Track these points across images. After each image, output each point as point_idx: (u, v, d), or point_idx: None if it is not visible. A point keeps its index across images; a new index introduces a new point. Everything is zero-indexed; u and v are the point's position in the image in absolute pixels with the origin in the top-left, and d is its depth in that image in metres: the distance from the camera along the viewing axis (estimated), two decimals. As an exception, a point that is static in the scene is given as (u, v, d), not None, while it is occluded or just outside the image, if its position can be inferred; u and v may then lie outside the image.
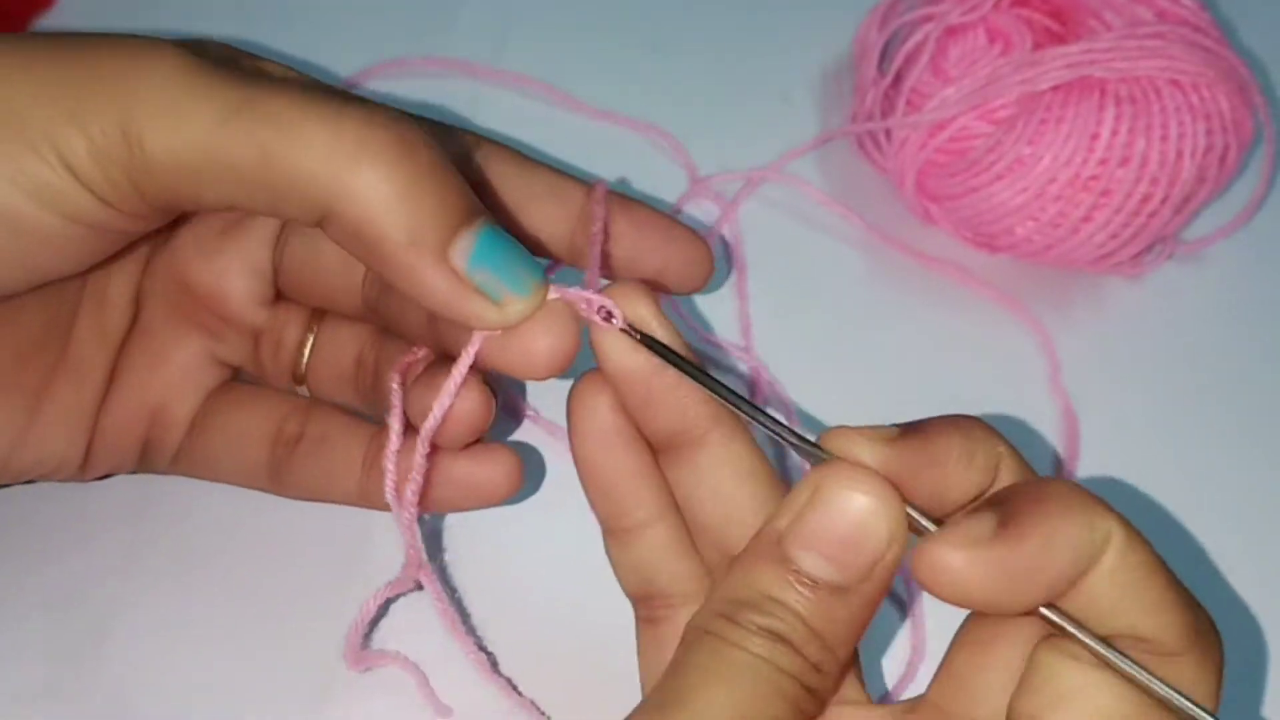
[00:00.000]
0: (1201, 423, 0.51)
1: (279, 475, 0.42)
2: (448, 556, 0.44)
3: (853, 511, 0.29)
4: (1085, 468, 0.49)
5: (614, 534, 0.36)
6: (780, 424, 0.32)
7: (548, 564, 0.44)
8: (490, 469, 0.39)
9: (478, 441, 0.38)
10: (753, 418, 0.32)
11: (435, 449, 0.37)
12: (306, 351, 0.42)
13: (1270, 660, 0.45)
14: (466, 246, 0.33)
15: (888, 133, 0.55)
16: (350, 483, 0.41)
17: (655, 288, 0.39)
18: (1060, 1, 0.54)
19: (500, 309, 0.33)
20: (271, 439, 0.41)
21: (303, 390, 0.43)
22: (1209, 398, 0.52)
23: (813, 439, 0.31)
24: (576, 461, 0.36)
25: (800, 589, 0.29)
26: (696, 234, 0.41)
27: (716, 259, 0.42)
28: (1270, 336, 0.54)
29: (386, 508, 0.38)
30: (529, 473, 0.41)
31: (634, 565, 0.36)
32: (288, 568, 0.43)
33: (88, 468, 0.41)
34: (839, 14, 0.60)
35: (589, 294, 0.33)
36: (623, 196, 0.41)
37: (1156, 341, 0.53)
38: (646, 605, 0.36)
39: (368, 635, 0.42)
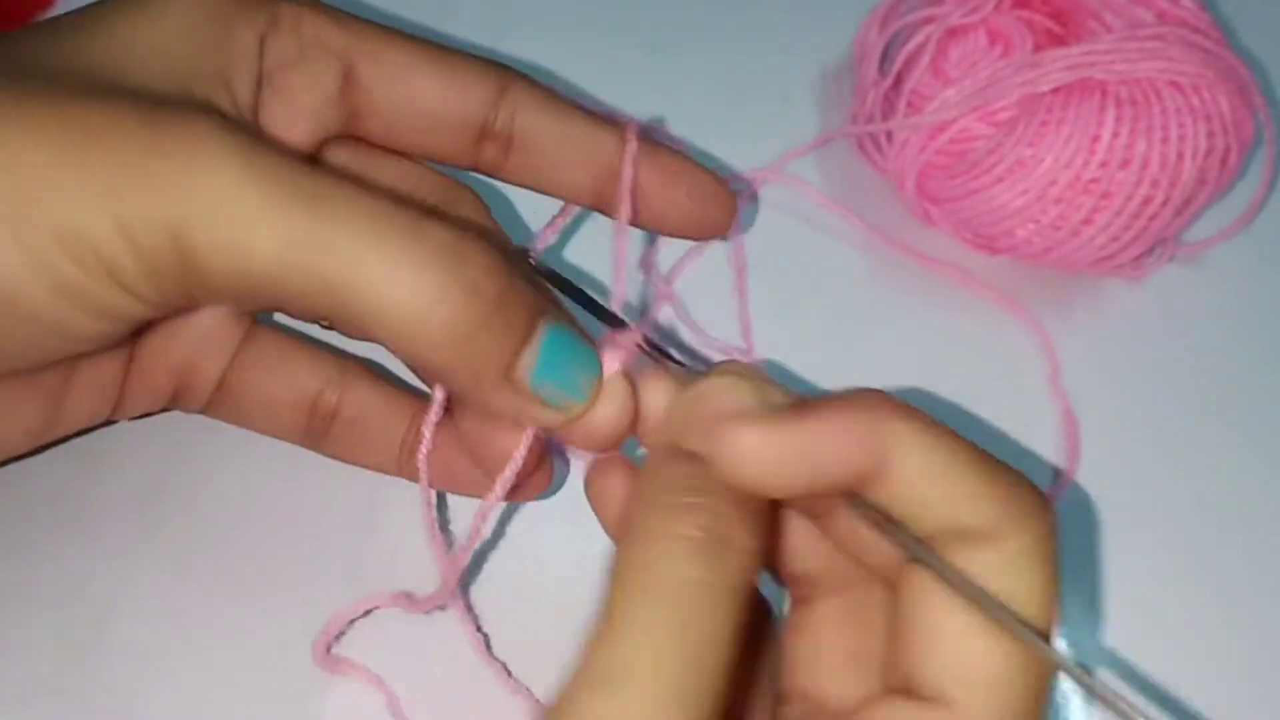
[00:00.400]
0: (1201, 425, 0.51)
1: (315, 443, 0.43)
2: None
3: (736, 395, 0.31)
4: (1085, 469, 0.49)
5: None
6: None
7: (565, 565, 0.44)
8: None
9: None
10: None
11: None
12: None
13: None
14: (529, 365, 0.33)
15: (888, 134, 0.55)
16: (388, 461, 0.42)
17: (677, 232, 0.41)
18: (1061, 3, 0.53)
19: (562, 413, 0.34)
20: (307, 410, 0.42)
21: (324, 323, 0.42)
22: (1209, 400, 0.52)
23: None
24: (593, 495, 0.36)
25: (709, 472, 0.30)
26: (722, 181, 0.41)
27: (735, 206, 0.42)
28: (1271, 339, 0.54)
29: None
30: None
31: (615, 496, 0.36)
32: (291, 564, 0.43)
33: (118, 415, 0.41)
34: (839, 15, 0.60)
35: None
36: (651, 141, 0.40)
37: (1157, 344, 0.53)
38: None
39: (340, 636, 0.42)
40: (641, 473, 0.31)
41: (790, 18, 0.63)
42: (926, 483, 0.29)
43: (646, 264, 0.53)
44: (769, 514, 0.31)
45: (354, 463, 0.43)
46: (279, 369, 0.42)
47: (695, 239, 0.43)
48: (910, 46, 0.54)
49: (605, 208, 0.40)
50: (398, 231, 0.31)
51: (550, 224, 0.41)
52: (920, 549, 0.30)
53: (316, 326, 0.44)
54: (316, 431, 0.42)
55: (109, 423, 0.42)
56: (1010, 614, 0.28)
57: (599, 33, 0.62)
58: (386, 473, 0.43)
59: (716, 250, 0.54)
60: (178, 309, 0.34)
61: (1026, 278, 0.54)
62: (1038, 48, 0.52)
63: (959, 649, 0.29)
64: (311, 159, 0.38)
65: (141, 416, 0.43)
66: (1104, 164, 0.50)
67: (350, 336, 0.42)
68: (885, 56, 0.56)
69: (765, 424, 0.29)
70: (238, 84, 0.35)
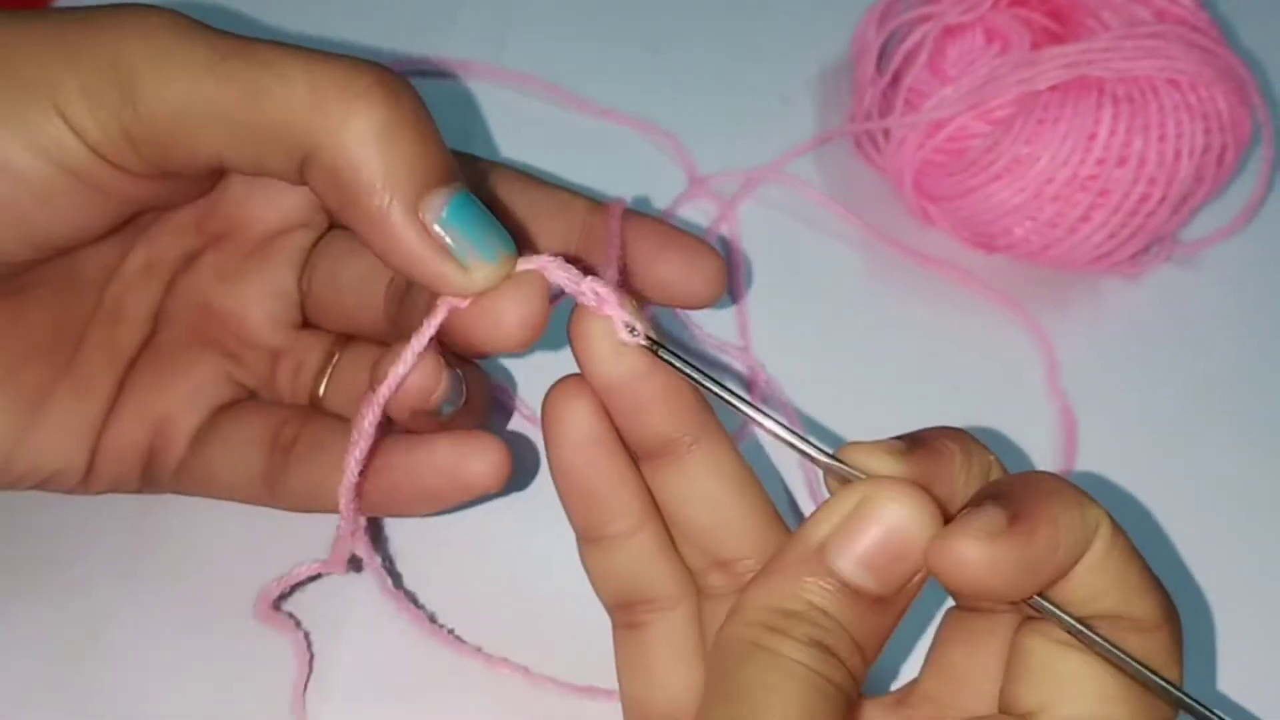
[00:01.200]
0: (1199, 422, 0.51)
1: (274, 482, 0.41)
2: (434, 553, 0.45)
3: (899, 524, 0.30)
4: (1082, 467, 0.49)
5: (594, 542, 0.36)
6: (797, 434, 0.32)
7: (536, 561, 0.44)
8: (475, 457, 0.38)
9: (451, 426, 0.38)
10: (763, 425, 0.32)
11: (409, 432, 0.37)
12: (327, 376, 0.42)
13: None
14: (439, 204, 0.33)
15: (886, 132, 0.55)
16: (254, 469, 0.41)
17: (667, 301, 0.40)
18: (1058, 1, 0.54)
19: (467, 273, 0.33)
20: (269, 443, 0.41)
21: None
22: (1207, 398, 0.52)
23: (828, 450, 0.31)
24: (554, 470, 0.35)
25: (844, 600, 0.30)
26: (708, 245, 0.41)
27: (726, 272, 0.41)
28: (1268, 337, 0.54)
29: (296, 506, 0.40)
30: (522, 465, 0.41)
31: (616, 572, 0.36)
32: (286, 568, 0.43)
33: (90, 480, 0.40)
34: (837, 14, 0.60)
35: (575, 274, 0.33)
36: (632, 210, 0.41)
37: (1154, 342, 0.53)
38: (628, 611, 0.36)
39: (286, 596, 0.42)
40: (773, 563, 0.31)
41: (788, 17, 0.63)
42: (1108, 571, 0.31)
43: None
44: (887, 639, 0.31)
45: (313, 502, 0.41)
46: (248, 416, 0.41)
47: (686, 308, 0.42)
48: (908, 45, 0.54)
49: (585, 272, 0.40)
50: (318, 51, 0.33)
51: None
52: (1101, 642, 0.30)
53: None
54: (276, 466, 0.41)
55: (78, 490, 0.41)
56: (1174, 688, 0.31)
57: (598, 33, 0.62)
58: (252, 499, 0.41)
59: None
60: (136, 177, 0.35)
61: (1024, 276, 0.54)
62: (1035, 46, 0.52)
63: (1102, 711, 0.31)
64: None
65: (106, 492, 0.42)
66: (1101, 161, 0.50)
67: (277, 172, 0.37)
68: (883, 55, 0.56)
69: (989, 539, 0.29)
70: None
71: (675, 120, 0.58)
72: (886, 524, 0.30)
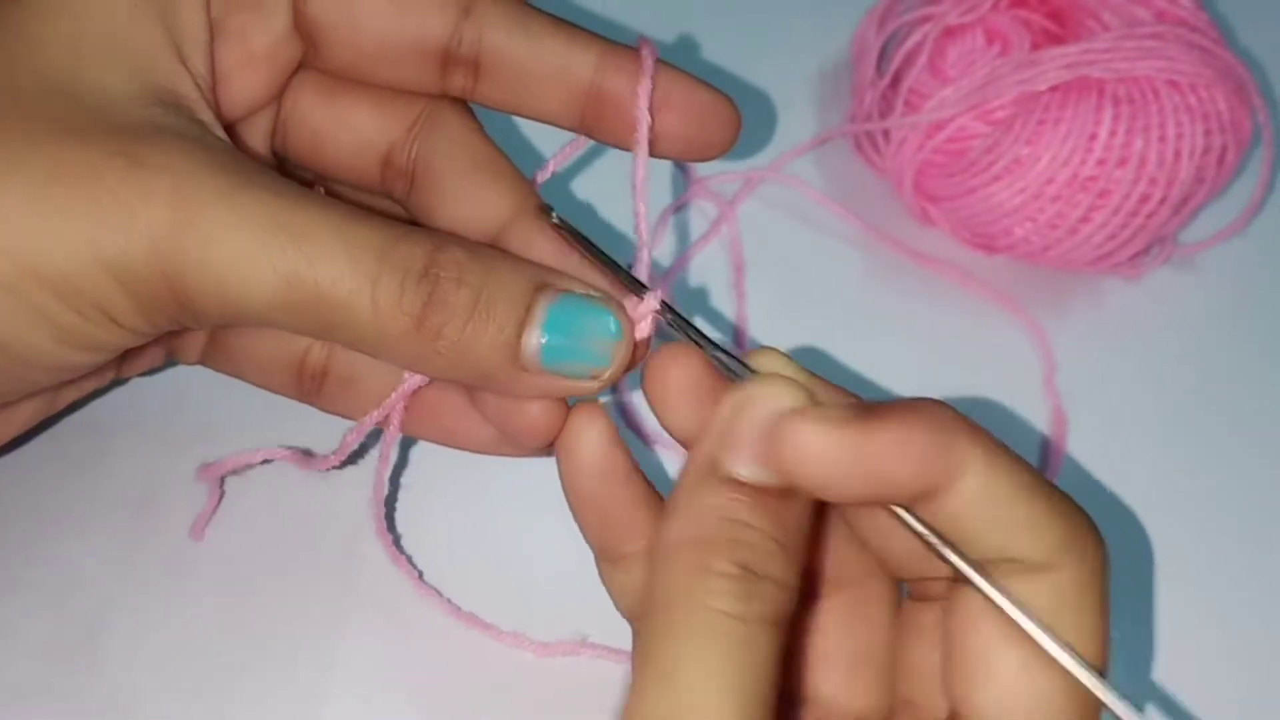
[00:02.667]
0: (1198, 423, 0.51)
1: (311, 400, 0.42)
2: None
3: (779, 409, 0.29)
4: (1082, 465, 0.49)
5: (612, 561, 0.35)
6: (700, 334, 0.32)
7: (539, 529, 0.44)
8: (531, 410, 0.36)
9: None
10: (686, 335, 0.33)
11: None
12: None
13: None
14: (535, 348, 0.33)
15: (886, 133, 0.55)
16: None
17: (680, 152, 0.38)
18: (1058, 2, 0.54)
19: (592, 380, 0.34)
20: (296, 369, 0.41)
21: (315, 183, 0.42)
22: (1206, 398, 0.52)
23: (727, 351, 0.32)
24: (570, 495, 0.35)
25: (754, 503, 0.29)
26: (723, 95, 0.39)
27: (740, 122, 0.40)
28: (1267, 339, 0.54)
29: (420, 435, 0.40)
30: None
31: (634, 589, 0.35)
32: (286, 564, 0.43)
33: (121, 374, 0.41)
34: (837, 15, 0.60)
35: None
36: (636, 64, 0.38)
37: (1154, 343, 0.53)
38: None
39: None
40: (676, 496, 0.30)
41: (788, 19, 0.63)
42: (988, 505, 0.29)
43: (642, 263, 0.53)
44: (808, 531, 0.30)
45: (352, 418, 0.40)
46: (263, 329, 0.40)
47: (696, 159, 0.40)
48: (908, 46, 0.54)
49: (591, 130, 0.38)
50: (374, 260, 0.32)
51: (553, 159, 0.39)
52: (980, 575, 0.29)
53: None
54: (309, 390, 0.41)
55: (116, 382, 0.43)
56: (1069, 648, 0.28)
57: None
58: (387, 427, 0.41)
59: (715, 249, 0.54)
60: (171, 332, 0.35)
61: (1024, 277, 0.54)
62: (1035, 47, 0.52)
63: (1017, 685, 0.29)
64: (274, 102, 0.38)
65: (148, 373, 0.43)
66: (1101, 162, 0.50)
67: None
68: (883, 56, 0.56)
69: (832, 426, 0.28)
70: (191, 52, 0.35)
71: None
72: (764, 412, 0.29)
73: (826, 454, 0.28)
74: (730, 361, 0.32)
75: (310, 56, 0.38)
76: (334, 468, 0.40)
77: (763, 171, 0.56)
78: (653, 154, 0.37)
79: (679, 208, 0.55)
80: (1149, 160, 0.50)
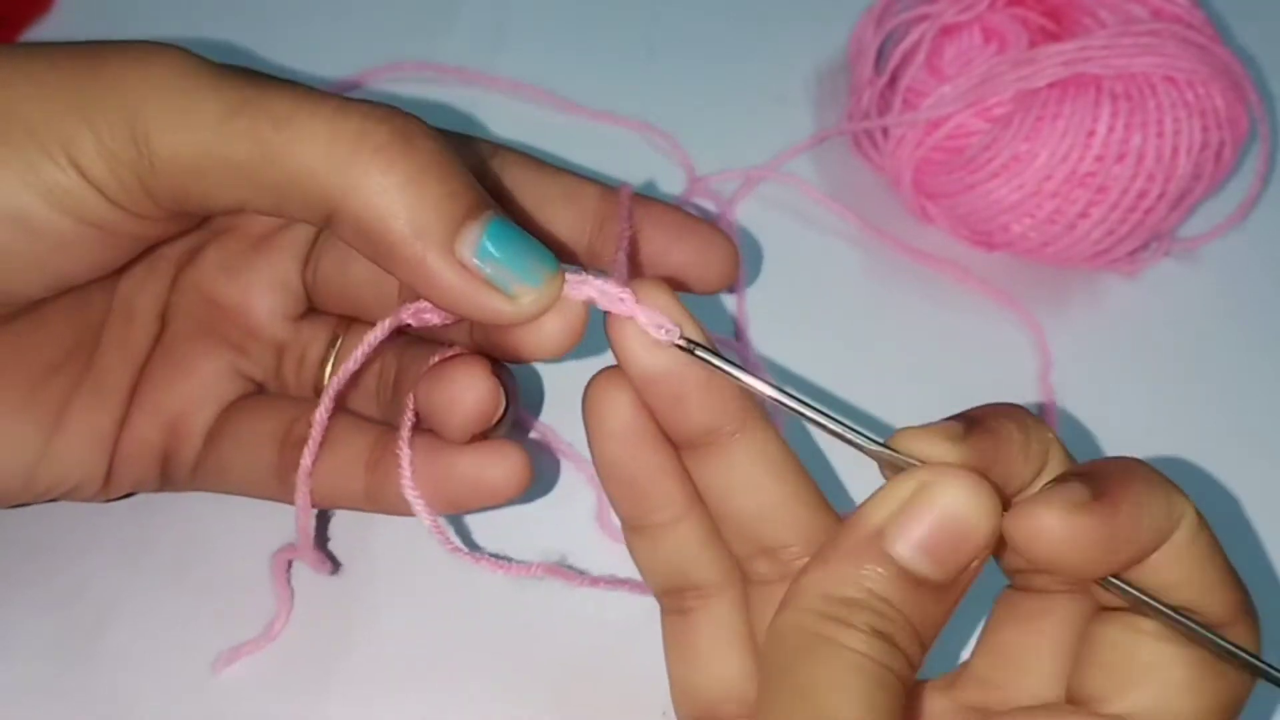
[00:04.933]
0: (1197, 418, 0.51)
1: (287, 477, 0.40)
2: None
3: (958, 509, 0.29)
4: (1078, 462, 0.49)
5: (640, 530, 0.36)
6: (847, 425, 0.32)
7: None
8: (497, 465, 0.38)
9: (485, 437, 0.38)
10: (811, 418, 0.32)
11: (440, 441, 0.37)
12: (331, 362, 0.42)
13: None
14: (473, 238, 0.32)
15: (884, 131, 0.55)
16: (356, 484, 0.40)
17: (680, 287, 0.40)
18: (1055, 0, 0.54)
19: (514, 301, 0.33)
20: (280, 440, 0.41)
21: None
22: (1205, 394, 0.52)
23: (879, 439, 0.31)
24: (598, 462, 0.35)
25: (903, 587, 0.29)
26: (720, 231, 0.41)
27: (739, 258, 0.41)
28: (1266, 333, 0.54)
29: (392, 511, 0.39)
30: (541, 473, 0.41)
31: (661, 560, 0.36)
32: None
33: (109, 486, 0.41)
34: (835, 14, 0.60)
35: (608, 284, 0.32)
36: (644, 196, 0.41)
37: (1153, 338, 0.53)
38: (676, 597, 0.36)
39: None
40: (834, 549, 0.30)
41: (786, 18, 0.63)
42: (1188, 562, 0.31)
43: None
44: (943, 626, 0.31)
45: (325, 498, 0.40)
46: (260, 411, 0.42)
47: (700, 293, 0.41)
48: (905, 44, 0.54)
49: (596, 260, 0.40)
50: (332, 98, 0.33)
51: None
52: (1190, 623, 0.31)
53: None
54: (288, 463, 0.40)
55: (98, 498, 0.41)
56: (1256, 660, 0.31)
57: (596, 35, 0.62)
58: (355, 506, 0.41)
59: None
60: (151, 220, 0.35)
61: (1022, 273, 0.54)
62: (1033, 44, 0.53)
63: (1178, 700, 0.31)
64: None
65: (127, 496, 0.42)
66: (1099, 158, 0.50)
67: (298, 217, 0.37)
68: (880, 55, 0.56)
69: (1075, 512, 0.29)
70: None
71: (673, 121, 0.58)
72: (945, 509, 0.29)
73: (1068, 542, 0.29)
74: (871, 446, 0.31)
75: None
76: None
77: (761, 170, 0.57)
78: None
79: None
80: (1146, 156, 0.50)
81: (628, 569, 0.43)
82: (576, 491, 0.47)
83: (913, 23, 0.54)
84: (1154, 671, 0.31)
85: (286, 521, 0.43)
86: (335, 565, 0.43)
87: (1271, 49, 0.60)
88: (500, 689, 0.42)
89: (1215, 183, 0.52)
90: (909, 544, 0.29)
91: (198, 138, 0.32)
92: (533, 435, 0.48)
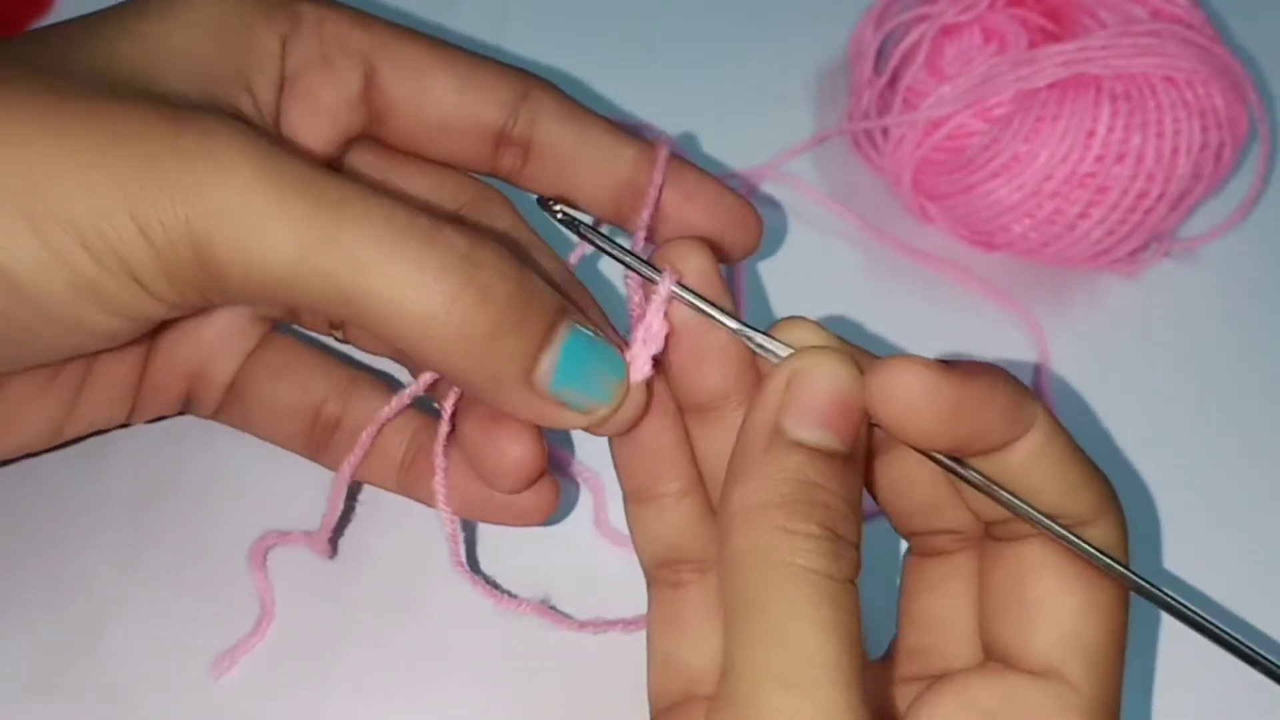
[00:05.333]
0: (1197, 418, 0.51)
1: (316, 453, 0.42)
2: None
3: (835, 379, 0.31)
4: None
5: (646, 502, 0.36)
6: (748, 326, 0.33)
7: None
8: (533, 492, 0.39)
9: None
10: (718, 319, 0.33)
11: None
12: None
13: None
14: (548, 369, 0.33)
15: (884, 131, 0.55)
16: (389, 476, 0.41)
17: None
18: (1055, 1, 0.54)
19: (589, 416, 0.34)
20: (310, 418, 0.41)
21: (337, 334, 0.43)
22: (1205, 394, 0.52)
23: (756, 328, 0.33)
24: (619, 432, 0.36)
25: (820, 463, 0.30)
26: (745, 199, 0.41)
27: (762, 227, 0.42)
28: (1266, 333, 0.54)
29: (423, 502, 0.41)
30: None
31: (663, 532, 0.36)
32: (288, 564, 0.43)
33: (134, 419, 0.42)
34: (834, 14, 0.60)
35: (650, 325, 0.34)
36: (677, 157, 0.40)
37: (1153, 338, 0.53)
38: (671, 570, 0.36)
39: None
40: (742, 461, 0.31)
41: (786, 18, 0.63)
42: (1046, 463, 0.32)
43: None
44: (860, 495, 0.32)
45: (356, 477, 0.41)
46: (286, 376, 0.42)
47: (724, 261, 0.41)
48: (905, 44, 0.54)
49: (624, 221, 0.40)
50: (410, 237, 0.31)
51: (574, 253, 0.41)
52: (1047, 520, 0.32)
53: (333, 340, 0.44)
54: (318, 442, 0.42)
55: (124, 425, 0.43)
56: (1130, 571, 0.32)
57: (595, 35, 0.62)
58: (385, 488, 0.42)
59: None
60: (193, 309, 0.34)
61: (1022, 273, 0.54)
62: (1032, 45, 0.53)
63: (1078, 626, 0.32)
64: (330, 164, 0.39)
65: (155, 420, 0.43)
66: (1099, 158, 0.50)
67: (366, 348, 0.43)
68: (880, 55, 0.56)
69: (931, 372, 0.30)
70: (259, 86, 0.36)
71: (673, 121, 0.58)
72: (821, 382, 0.31)
73: (925, 398, 0.30)
74: (762, 338, 0.33)
75: (374, 125, 0.39)
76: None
77: (761, 170, 0.57)
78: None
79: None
80: (1146, 156, 0.50)
81: (623, 572, 0.43)
82: (573, 493, 0.47)
83: (913, 23, 0.54)
84: (1048, 606, 0.32)
85: (287, 521, 0.43)
86: (333, 550, 0.43)
87: (1271, 49, 0.60)
88: (498, 690, 0.42)
89: (1215, 183, 0.52)
90: (805, 424, 0.30)
91: (271, 270, 0.31)
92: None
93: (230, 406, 0.42)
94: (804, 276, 0.54)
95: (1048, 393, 0.51)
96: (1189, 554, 0.47)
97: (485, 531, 0.45)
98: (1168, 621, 0.44)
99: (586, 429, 0.35)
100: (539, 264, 0.39)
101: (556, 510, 0.40)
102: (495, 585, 0.42)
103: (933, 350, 0.52)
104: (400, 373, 0.45)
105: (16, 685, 0.40)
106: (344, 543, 0.44)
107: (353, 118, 0.38)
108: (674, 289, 0.33)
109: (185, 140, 0.31)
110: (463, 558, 0.38)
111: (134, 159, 0.30)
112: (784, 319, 0.33)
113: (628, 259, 0.34)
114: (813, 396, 0.31)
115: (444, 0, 0.62)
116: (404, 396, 0.37)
